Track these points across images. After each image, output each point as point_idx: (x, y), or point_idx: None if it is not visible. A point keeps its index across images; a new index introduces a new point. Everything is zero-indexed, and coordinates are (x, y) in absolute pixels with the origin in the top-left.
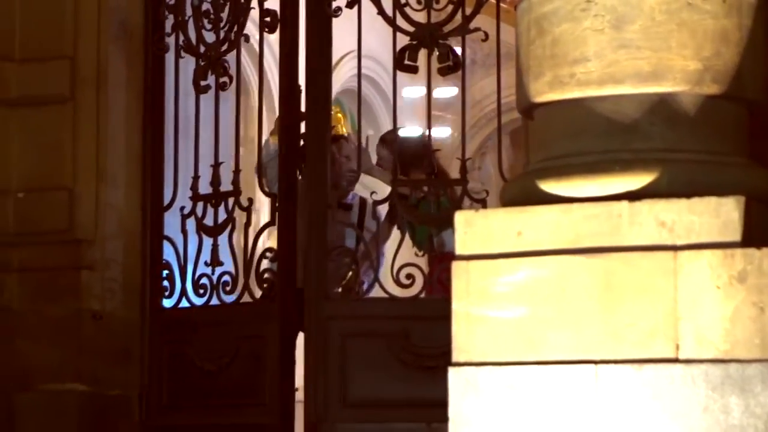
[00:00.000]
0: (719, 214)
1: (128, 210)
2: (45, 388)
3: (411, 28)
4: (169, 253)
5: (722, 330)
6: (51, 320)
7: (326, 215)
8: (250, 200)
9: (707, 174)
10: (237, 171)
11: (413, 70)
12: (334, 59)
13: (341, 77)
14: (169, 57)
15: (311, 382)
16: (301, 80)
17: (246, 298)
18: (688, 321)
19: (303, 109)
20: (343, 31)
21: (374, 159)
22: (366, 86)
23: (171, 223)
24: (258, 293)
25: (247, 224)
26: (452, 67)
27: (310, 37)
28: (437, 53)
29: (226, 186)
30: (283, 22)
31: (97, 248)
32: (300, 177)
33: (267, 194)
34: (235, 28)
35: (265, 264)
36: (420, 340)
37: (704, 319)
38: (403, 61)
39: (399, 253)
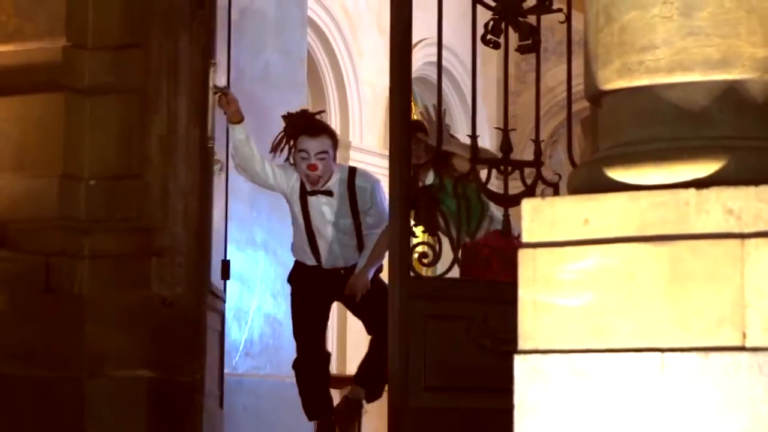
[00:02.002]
0: None
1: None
2: (115, 374)
3: (492, 3)
4: None
5: None
6: (121, 307)
7: (408, 191)
8: None
9: None
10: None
11: (496, 45)
12: None
13: (414, 65)
14: None
15: (395, 364)
16: None
17: None
18: (755, 309)
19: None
20: (416, 18)
21: None
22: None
23: None
24: None
25: None
26: (531, 46)
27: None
28: (516, 31)
29: None
30: None
31: (166, 235)
32: None
33: None
34: None
35: None
36: (499, 324)
37: None
38: (486, 36)
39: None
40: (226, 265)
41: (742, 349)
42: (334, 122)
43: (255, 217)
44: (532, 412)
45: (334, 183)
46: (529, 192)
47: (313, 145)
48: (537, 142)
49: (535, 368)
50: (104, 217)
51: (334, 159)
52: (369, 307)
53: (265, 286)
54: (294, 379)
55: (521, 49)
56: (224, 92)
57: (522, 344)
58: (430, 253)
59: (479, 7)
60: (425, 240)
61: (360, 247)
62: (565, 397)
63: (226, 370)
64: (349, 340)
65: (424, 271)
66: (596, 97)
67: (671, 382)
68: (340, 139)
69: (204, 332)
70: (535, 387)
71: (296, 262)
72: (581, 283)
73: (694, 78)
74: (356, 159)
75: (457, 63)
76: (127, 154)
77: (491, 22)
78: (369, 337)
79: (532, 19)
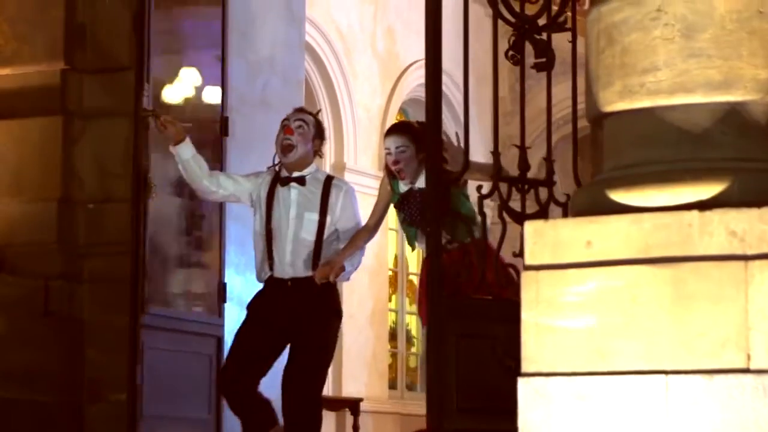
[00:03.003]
0: None
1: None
2: (115, 398)
3: (512, 19)
4: None
5: None
6: (120, 331)
7: (441, 207)
8: None
9: None
10: None
11: (518, 61)
12: (401, 68)
13: (407, 86)
14: None
15: (432, 384)
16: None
17: None
18: (760, 331)
19: None
20: (409, 39)
21: None
22: None
23: None
24: None
25: None
26: (545, 63)
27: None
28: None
29: None
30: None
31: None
32: None
33: None
34: None
35: None
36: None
37: None
38: (509, 52)
39: None
40: (222, 288)
41: (747, 371)
42: (329, 144)
43: None
44: None
45: (309, 173)
46: (543, 211)
47: (295, 114)
48: (549, 161)
49: (537, 391)
50: (103, 240)
51: (316, 153)
52: (309, 334)
53: None
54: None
55: (537, 66)
56: (154, 114)
57: (525, 367)
58: (464, 272)
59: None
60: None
61: (315, 259)
62: (568, 420)
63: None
64: (345, 359)
65: None
66: (598, 118)
67: (676, 404)
68: (335, 162)
69: (134, 352)
70: (538, 410)
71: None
72: (584, 305)
73: (695, 100)
74: (351, 180)
75: (452, 84)
76: (125, 178)
77: (512, 38)
78: (369, 355)
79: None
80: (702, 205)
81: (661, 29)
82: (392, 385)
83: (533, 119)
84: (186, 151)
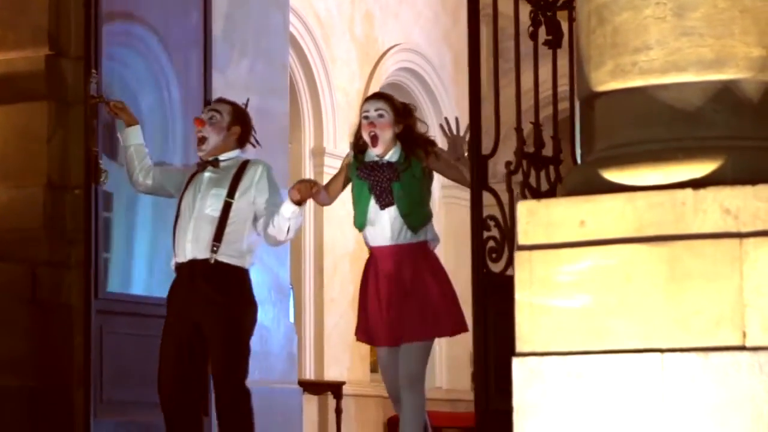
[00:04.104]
0: None
1: None
2: None
3: None
4: None
5: None
6: None
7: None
8: None
9: None
10: None
11: (534, 37)
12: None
13: (386, 70)
14: None
15: (478, 364)
16: None
17: None
18: (755, 308)
19: None
20: (386, 25)
21: None
22: (409, 79)
23: None
24: None
25: None
26: (553, 41)
27: None
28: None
29: None
30: None
31: None
32: None
33: None
34: None
35: None
36: None
37: None
38: (530, 29)
39: None
40: None
41: (743, 348)
42: (307, 129)
43: None
44: (531, 415)
45: (228, 157)
46: (553, 189)
47: (210, 106)
48: (555, 138)
49: (533, 370)
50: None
51: (242, 141)
52: (217, 324)
53: None
54: (284, 386)
55: (547, 43)
56: (103, 101)
57: (520, 347)
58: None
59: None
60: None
61: (216, 241)
62: (563, 399)
63: None
64: (326, 343)
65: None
66: (589, 98)
67: (671, 382)
68: (314, 146)
69: (85, 336)
70: (533, 389)
71: None
72: (578, 284)
73: (688, 78)
74: (331, 165)
75: (429, 68)
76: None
77: (531, 14)
78: (351, 338)
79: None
80: (696, 184)
81: (652, 8)
82: (374, 369)
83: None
84: (132, 137)
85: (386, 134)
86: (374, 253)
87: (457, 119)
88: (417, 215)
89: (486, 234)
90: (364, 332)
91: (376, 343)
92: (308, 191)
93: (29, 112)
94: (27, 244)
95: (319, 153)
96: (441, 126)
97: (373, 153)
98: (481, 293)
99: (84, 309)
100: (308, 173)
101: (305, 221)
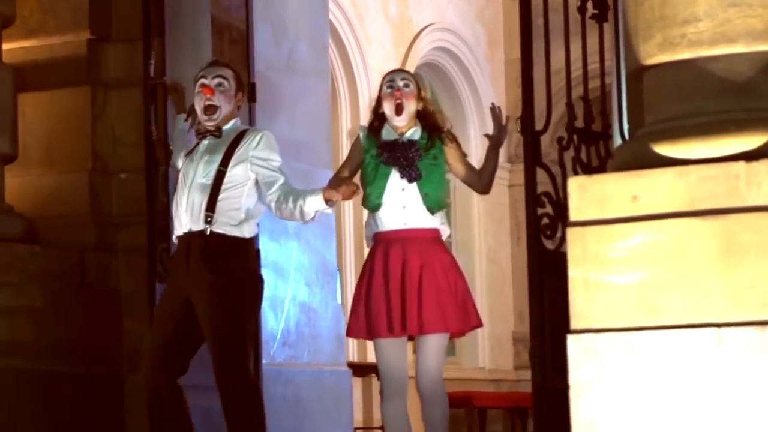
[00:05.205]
0: None
1: None
2: None
3: None
4: None
5: None
6: None
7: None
8: None
9: None
10: None
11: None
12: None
13: (420, 50)
14: None
15: (534, 341)
16: None
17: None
18: None
19: None
20: (421, 4)
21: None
22: (444, 59)
23: None
24: None
25: None
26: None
27: None
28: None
29: None
30: None
31: None
32: None
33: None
34: None
35: None
36: None
37: None
38: (582, 7)
39: None
40: (256, 254)
41: None
42: (344, 110)
43: None
44: (587, 392)
45: (229, 126)
46: (603, 164)
47: (211, 70)
48: (604, 113)
49: (588, 347)
50: (136, 210)
51: (235, 103)
52: (210, 324)
53: (299, 274)
54: (333, 368)
55: (594, 17)
56: (161, 83)
57: (574, 324)
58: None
59: None
60: (547, 212)
61: (208, 210)
62: (619, 375)
63: (264, 361)
64: None
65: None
66: (637, 72)
67: (728, 357)
68: (351, 127)
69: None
70: (588, 367)
71: None
72: (632, 260)
73: (737, 49)
74: None
75: (464, 47)
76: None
77: None
78: None
79: None
80: (748, 156)
81: None
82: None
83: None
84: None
85: (411, 106)
86: (383, 239)
87: (499, 108)
88: (436, 197)
89: (540, 211)
90: (362, 327)
91: (380, 335)
92: (351, 195)
93: (72, 98)
94: (74, 230)
95: (356, 134)
96: (492, 108)
97: (396, 123)
98: (536, 271)
99: (148, 294)
100: (345, 154)
101: (344, 204)
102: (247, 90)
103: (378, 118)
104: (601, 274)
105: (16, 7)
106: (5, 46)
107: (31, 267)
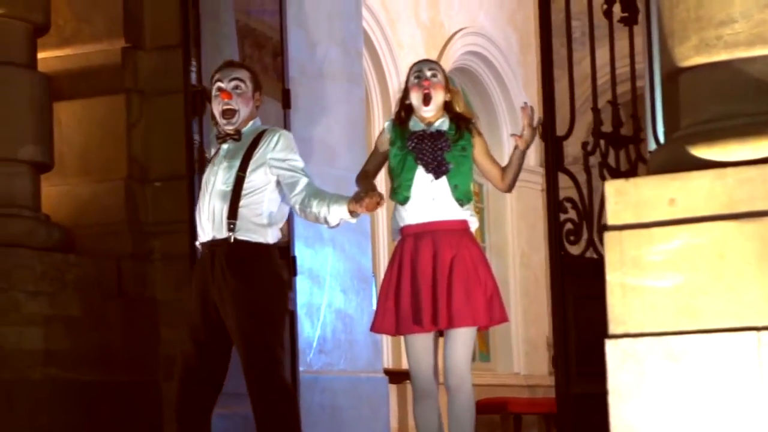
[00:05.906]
0: None
1: None
2: None
3: None
4: None
5: None
6: None
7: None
8: None
9: None
10: None
11: (626, 21)
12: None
13: (453, 54)
14: None
15: (557, 348)
16: None
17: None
18: None
19: None
20: (453, 8)
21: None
22: (476, 63)
23: None
24: None
25: None
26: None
27: None
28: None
29: None
30: None
31: None
32: None
33: None
34: None
35: None
36: None
37: None
38: (610, 6)
39: None
40: (292, 261)
41: None
42: (376, 115)
43: None
44: (627, 397)
45: (248, 128)
46: (634, 168)
47: (227, 73)
48: (635, 116)
49: (627, 352)
50: (171, 218)
51: (254, 104)
52: (239, 333)
53: (335, 281)
54: (370, 374)
55: (623, 20)
56: (203, 90)
57: (613, 328)
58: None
59: None
60: (571, 217)
61: (230, 217)
62: (659, 380)
63: (300, 368)
64: None
65: None
66: (673, 74)
67: None
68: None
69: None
70: (627, 371)
71: None
72: (670, 264)
73: None
74: None
75: (496, 51)
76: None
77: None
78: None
79: None
80: None
81: None
82: None
83: (579, 84)
84: None
85: (439, 96)
86: (412, 232)
87: (532, 108)
88: (465, 189)
89: (563, 216)
90: (389, 323)
91: (407, 331)
92: (375, 207)
93: (107, 106)
94: (110, 238)
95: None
96: (523, 108)
97: (424, 113)
98: (559, 276)
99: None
100: None
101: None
102: (282, 97)
103: (404, 108)
104: (639, 278)
105: (51, 16)
106: (40, 55)
107: (68, 276)
